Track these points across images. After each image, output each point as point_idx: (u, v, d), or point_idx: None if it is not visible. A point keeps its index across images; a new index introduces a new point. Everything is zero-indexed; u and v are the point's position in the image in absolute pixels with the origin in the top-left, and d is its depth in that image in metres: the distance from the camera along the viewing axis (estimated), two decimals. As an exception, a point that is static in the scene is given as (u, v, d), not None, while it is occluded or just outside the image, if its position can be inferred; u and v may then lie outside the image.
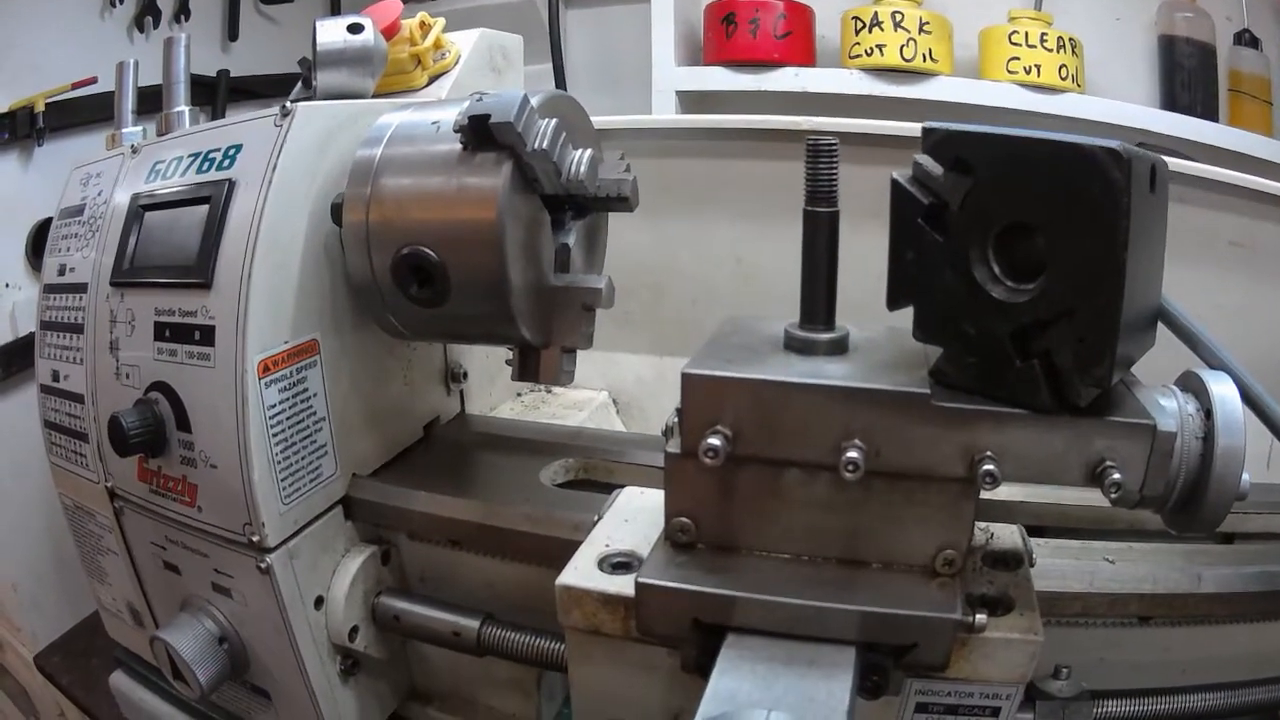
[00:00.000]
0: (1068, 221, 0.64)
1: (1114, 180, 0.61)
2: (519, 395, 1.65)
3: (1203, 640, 1.01)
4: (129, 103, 1.34)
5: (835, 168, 0.78)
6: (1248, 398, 0.75)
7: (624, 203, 1.02)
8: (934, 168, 0.70)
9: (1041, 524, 1.10)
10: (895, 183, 0.72)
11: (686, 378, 0.75)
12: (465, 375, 1.41)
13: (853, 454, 0.70)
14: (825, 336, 0.80)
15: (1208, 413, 0.72)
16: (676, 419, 0.78)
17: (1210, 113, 2.22)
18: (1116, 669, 1.00)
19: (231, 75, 2.44)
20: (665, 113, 2.43)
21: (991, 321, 0.70)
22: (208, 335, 1.03)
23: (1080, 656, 0.95)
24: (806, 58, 2.39)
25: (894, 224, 0.73)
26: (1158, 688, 0.98)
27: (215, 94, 2.40)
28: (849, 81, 2.30)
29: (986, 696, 0.79)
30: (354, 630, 1.15)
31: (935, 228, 0.71)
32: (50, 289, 1.25)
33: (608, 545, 0.87)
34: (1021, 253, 0.68)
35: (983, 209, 0.69)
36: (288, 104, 1.06)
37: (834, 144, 0.78)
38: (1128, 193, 0.61)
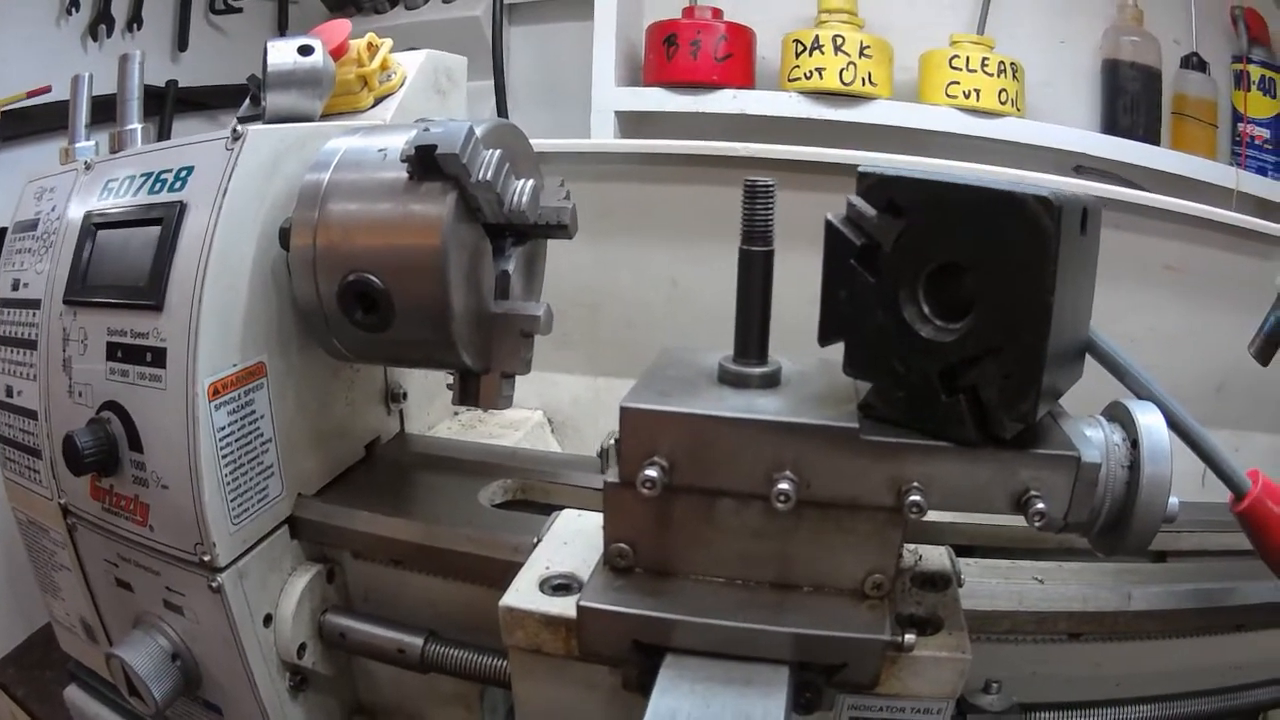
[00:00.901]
0: (996, 265, 0.66)
1: (1044, 228, 0.63)
2: (456, 414, 1.65)
3: (1136, 655, 1.03)
4: (83, 117, 1.32)
5: (771, 209, 0.80)
6: (1176, 426, 0.77)
7: (564, 230, 1.03)
8: (867, 209, 0.72)
9: (972, 544, 1.13)
10: (829, 224, 0.74)
11: (625, 411, 0.76)
12: (405, 395, 1.41)
13: (784, 485, 0.72)
14: (758, 370, 0.82)
15: (1134, 442, 0.75)
16: (614, 445, 0.79)
17: (1152, 136, 2.24)
18: (1050, 683, 1.02)
19: (180, 85, 2.42)
20: (604, 132, 2.42)
21: (920, 359, 0.72)
22: (159, 357, 1.03)
23: (1012, 671, 0.98)
24: (746, 80, 2.38)
25: (827, 263, 0.75)
26: (1090, 700, 1.00)
27: (164, 104, 2.38)
28: (787, 104, 2.29)
29: (918, 711, 0.81)
30: (302, 647, 1.16)
31: (867, 268, 0.73)
32: (4, 303, 1.24)
33: (548, 567, 0.89)
34: (950, 292, 0.70)
35: (914, 251, 0.70)
36: (238, 127, 1.06)
37: (770, 186, 0.80)
38: (1057, 239, 0.63)
